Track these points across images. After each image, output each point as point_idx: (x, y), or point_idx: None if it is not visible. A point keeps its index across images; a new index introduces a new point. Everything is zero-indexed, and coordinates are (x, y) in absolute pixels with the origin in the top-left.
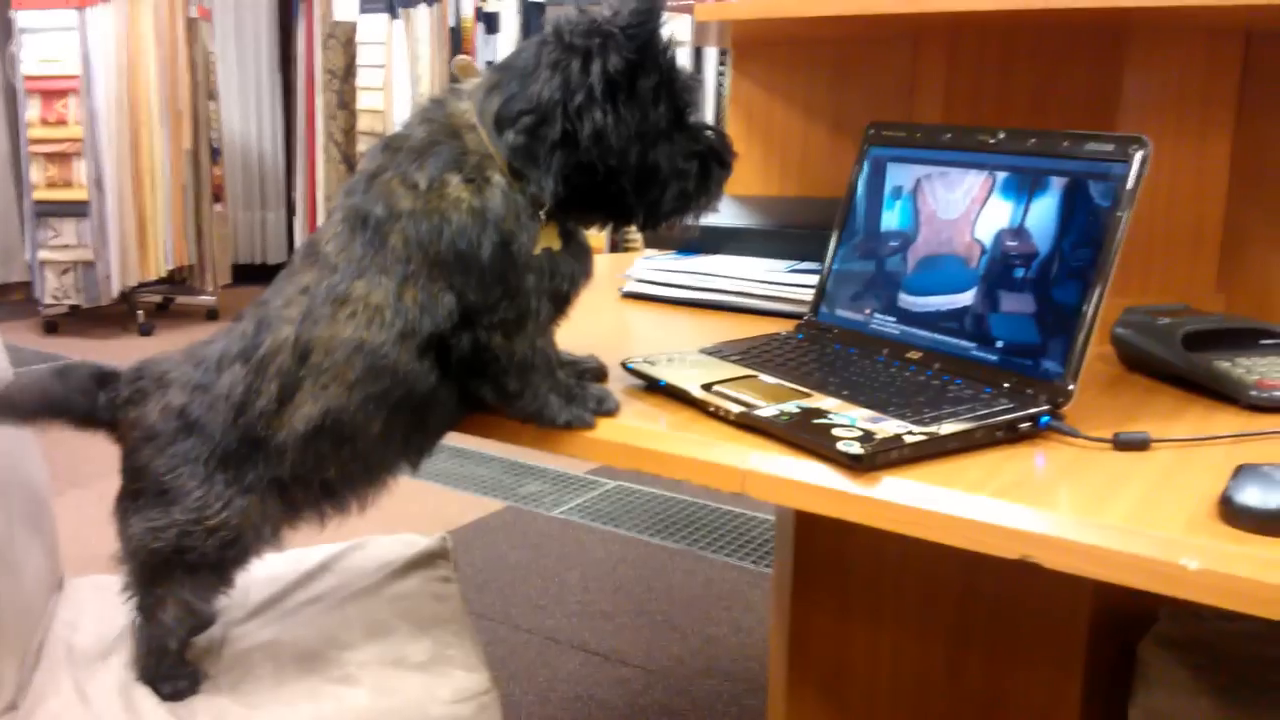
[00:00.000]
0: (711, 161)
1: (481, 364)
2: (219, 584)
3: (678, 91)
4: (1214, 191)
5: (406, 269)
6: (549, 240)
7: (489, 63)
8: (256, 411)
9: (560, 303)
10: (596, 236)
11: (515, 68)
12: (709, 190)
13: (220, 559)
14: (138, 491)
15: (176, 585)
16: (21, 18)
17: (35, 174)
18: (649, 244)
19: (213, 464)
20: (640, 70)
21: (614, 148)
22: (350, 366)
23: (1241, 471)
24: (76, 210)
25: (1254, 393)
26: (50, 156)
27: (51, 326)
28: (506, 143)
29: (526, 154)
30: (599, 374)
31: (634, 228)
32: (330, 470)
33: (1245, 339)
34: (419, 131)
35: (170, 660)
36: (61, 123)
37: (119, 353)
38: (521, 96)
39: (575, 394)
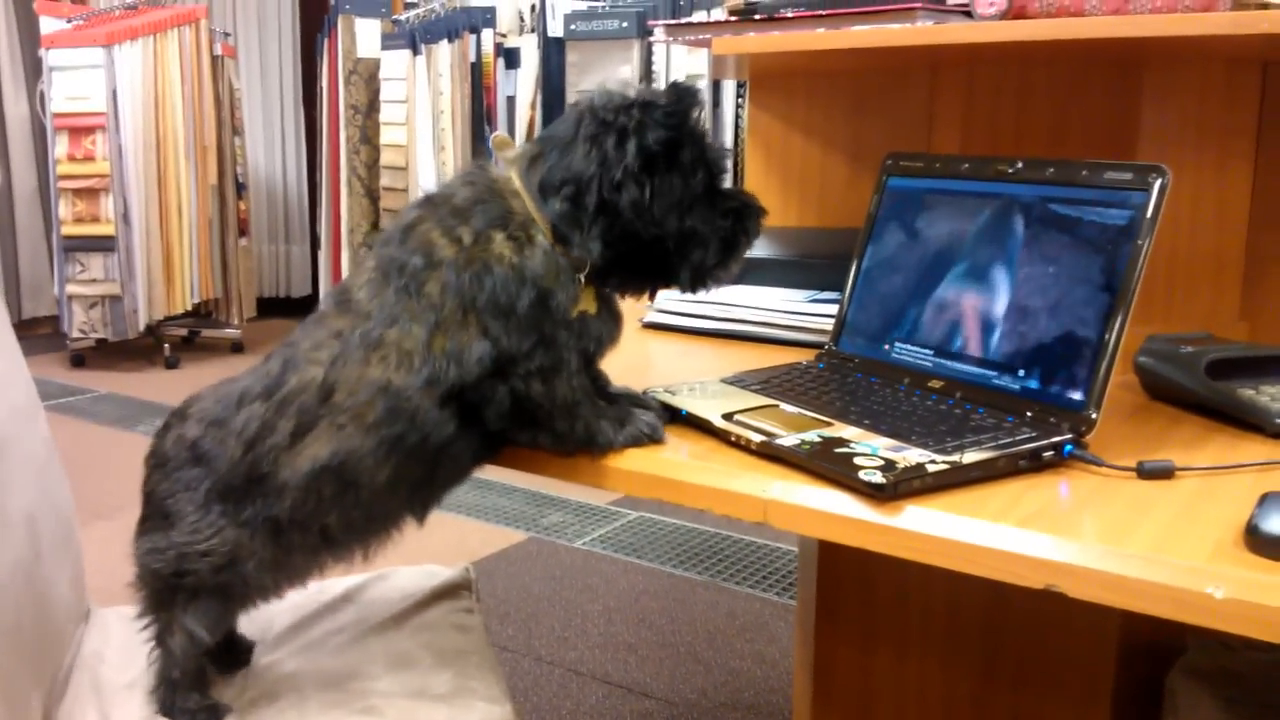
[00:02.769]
0: (746, 215)
1: (528, 414)
2: (222, 613)
3: (710, 161)
4: (1235, 220)
5: (439, 315)
6: (586, 304)
7: (530, 93)
8: (267, 447)
9: (585, 360)
10: None
11: (555, 139)
12: (748, 237)
13: (218, 584)
14: (147, 516)
15: (180, 610)
16: (51, 56)
17: (63, 210)
18: None
19: (212, 494)
20: (677, 146)
21: (655, 217)
22: (371, 407)
23: (1267, 500)
24: (104, 245)
25: (1279, 420)
26: (78, 192)
27: (79, 360)
28: (552, 209)
29: (570, 220)
30: (656, 408)
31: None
32: (330, 516)
33: (1269, 367)
34: (463, 192)
35: (183, 691)
36: (89, 159)
37: (145, 386)
38: (561, 166)
39: (626, 419)
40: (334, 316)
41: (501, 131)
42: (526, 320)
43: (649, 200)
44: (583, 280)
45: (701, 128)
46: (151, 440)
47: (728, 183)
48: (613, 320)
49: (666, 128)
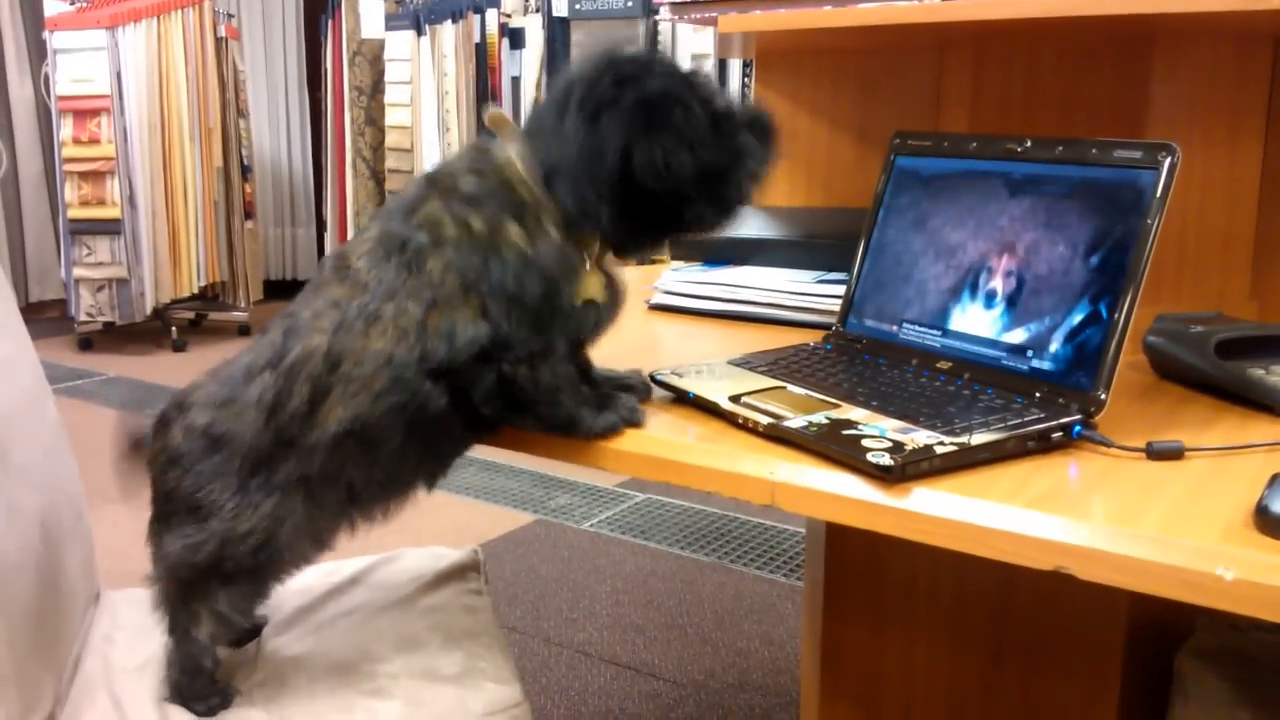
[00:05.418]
0: (757, 139)
1: (511, 397)
2: (255, 593)
3: (703, 96)
4: (1245, 198)
5: (437, 293)
6: (594, 291)
7: (528, 73)
8: (289, 413)
9: (576, 345)
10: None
11: (549, 116)
12: (766, 159)
13: (255, 565)
14: (169, 513)
15: (212, 598)
16: (55, 39)
17: (69, 192)
18: (676, 255)
19: (244, 471)
20: (667, 96)
21: (671, 169)
22: (377, 378)
23: (1277, 480)
24: (110, 228)
25: None
26: (84, 175)
27: (86, 343)
28: (561, 193)
29: (579, 200)
30: (642, 390)
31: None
32: (355, 473)
33: (1279, 346)
34: (469, 180)
35: (203, 680)
36: (94, 141)
37: (152, 369)
38: (562, 146)
39: (605, 404)
40: (332, 284)
41: (499, 109)
42: (531, 310)
43: (663, 157)
44: (589, 263)
45: (683, 71)
46: (153, 441)
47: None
48: (614, 305)
49: (648, 80)
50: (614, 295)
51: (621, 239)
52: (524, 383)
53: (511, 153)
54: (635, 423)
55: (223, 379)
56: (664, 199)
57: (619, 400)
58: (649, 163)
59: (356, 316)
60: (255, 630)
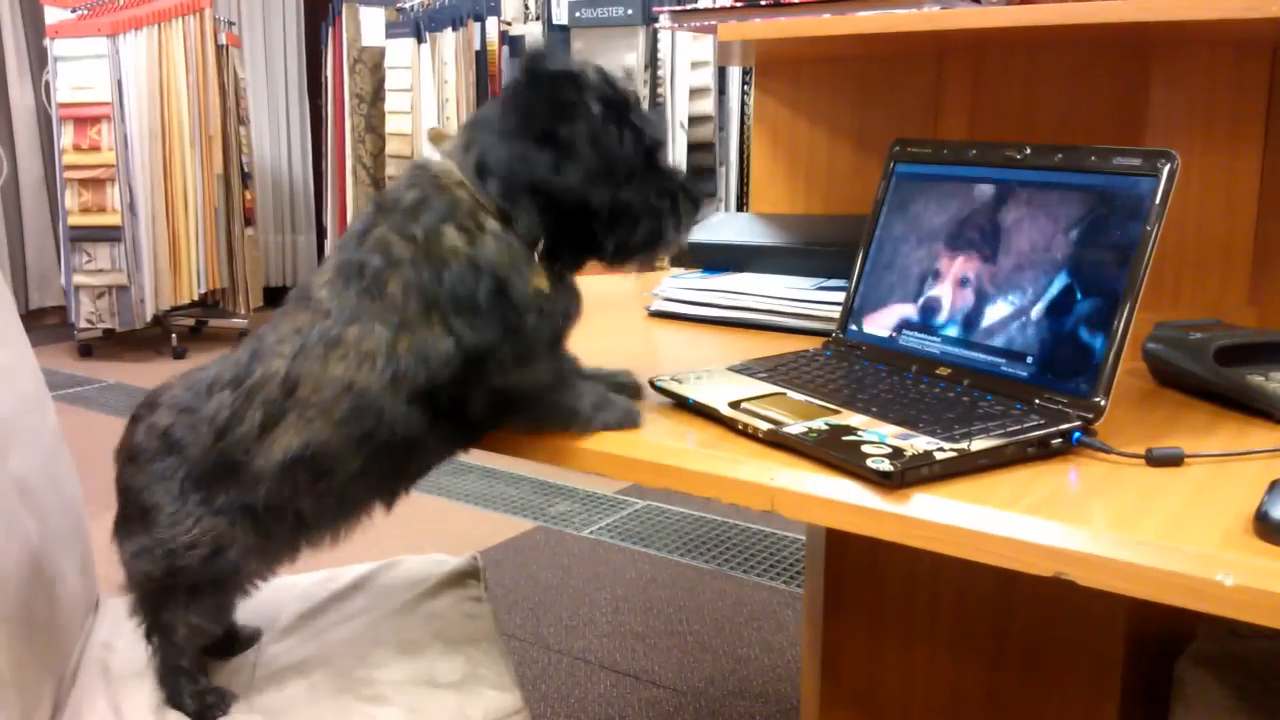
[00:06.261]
0: (681, 197)
1: (510, 403)
2: (222, 603)
3: (644, 135)
4: (1245, 205)
5: (403, 315)
6: (538, 282)
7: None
8: (236, 436)
9: (554, 338)
10: None
11: (484, 121)
12: (679, 225)
13: (211, 577)
14: (128, 515)
15: (182, 609)
16: (56, 46)
17: (70, 200)
18: (674, 263)
19: (187, 483)
20: (607, 120)
21: (572, 184)
22: (337, 405)
23: (1277, 486)
24: (110, 235)
25: None
26: (84, 182)
27: (86, 350)
28: (492, 190)
29: (509, 198)
30: (634, 389)
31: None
32: (304, 502)
33: (1278, 353)
34: (409, 195)
35: (190, 679)
36: (95, 149)
37: (152, 376)
38: (490, 146)
39: (603, 403)
40: (295, 313)
41: (437, 126)
42: (489, 312)
43: (574, 174)
44: (536, 258)
45: (636, 103)
46: (124, 435)
47: (678, 158)
48: (570, 296)
49: (596, 107)
50: (568, 290)
51: (550, 245)
52: (515, 383)
53: (450, 160)
54: (633, 424)
55: (190, 384)
56: (582, 217)
57: (615, 401)
58: (568, 189)
59: (317, 341)
60: (253, 637)
